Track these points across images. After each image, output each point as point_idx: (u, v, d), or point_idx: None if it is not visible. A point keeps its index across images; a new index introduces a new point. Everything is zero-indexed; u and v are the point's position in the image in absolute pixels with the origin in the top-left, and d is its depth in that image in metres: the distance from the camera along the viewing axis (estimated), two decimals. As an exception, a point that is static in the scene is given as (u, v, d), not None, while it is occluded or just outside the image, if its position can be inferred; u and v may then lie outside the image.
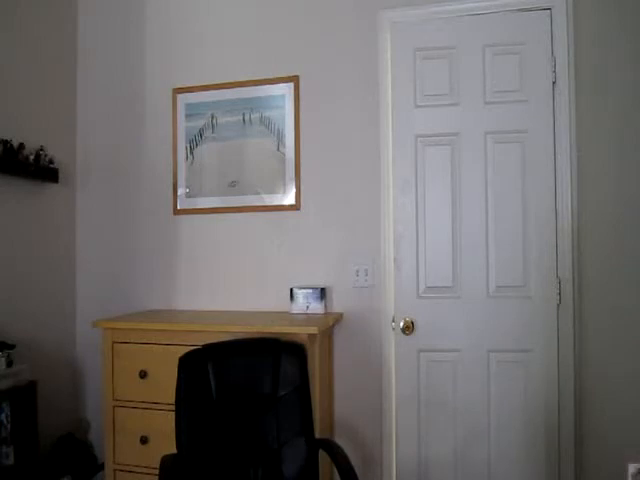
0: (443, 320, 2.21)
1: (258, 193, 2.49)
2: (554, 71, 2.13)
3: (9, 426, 2.05)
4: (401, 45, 2.27)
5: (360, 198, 2.36)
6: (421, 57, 2.25)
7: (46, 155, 2.44)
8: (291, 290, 2.35)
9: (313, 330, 1.96)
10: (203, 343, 1.85)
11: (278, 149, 2.46)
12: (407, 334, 2.23)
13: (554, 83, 2.13)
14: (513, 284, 2.15)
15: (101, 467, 2.38)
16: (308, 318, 2.20)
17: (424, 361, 2.23)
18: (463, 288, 2.19)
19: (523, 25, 2.15)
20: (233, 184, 2.52)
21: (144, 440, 2.11)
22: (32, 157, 2.34)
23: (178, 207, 2.59)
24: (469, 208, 2.20)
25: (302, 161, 2.43)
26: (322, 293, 2.32)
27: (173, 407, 1.72)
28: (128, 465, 2.14)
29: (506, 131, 2.16)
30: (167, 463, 1.63)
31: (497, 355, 2.15)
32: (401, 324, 2.24)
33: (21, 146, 2.29)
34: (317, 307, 2.31)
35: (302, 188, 2.44)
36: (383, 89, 2.32)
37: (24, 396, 2.13)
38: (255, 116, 2.49)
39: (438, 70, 2.23)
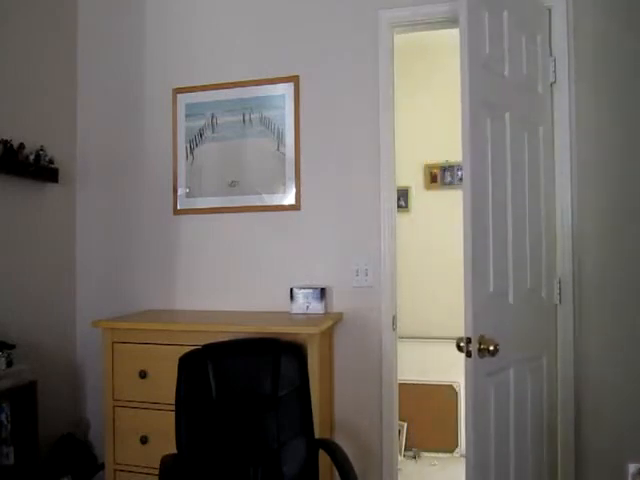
0: (501, 330, 1.73)
1: (258, 193, 2.49)
2: (554, 71, 2.13)
3: (9, 426, 2.05)
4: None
5: (360, 198, 2.36)
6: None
7: (46, 155, 2.44)
8: (291, 290, 2.34)
9: (313, 330, 1.96)
10: (203, 343, 1.85)
11: (278, 149, 2.46)
12: (482, 356, 1.60)
13: (553, 83, 2.13)
14: (527, 286, 1.93)
15: (101, 467, 2.38)
16: (308, 318, 2.20)
17: (491, 384, 1.71)
18: (510, 291, 1.85)
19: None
20: (233, 184, 2.52)
21: (144, 440, 2.11)
22: (32, 157, 2.34)
23: (178, 207, 2.59)
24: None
25: (302, 161, 2.43)
26: (322, 293, 2.31)
27: (173, 407, 1.72)
28: (128, 465, 2.15)
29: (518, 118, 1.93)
30: (167, 463, 1.63)
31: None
32: (479, 345, 1.60)
33: (21, 146, 2.29)
34: (317, 307, 2.31)
35: (302, 188, 2.43)
36: (383, 88, 2.32)
37: (24, 396, 2.13)
38: (255, 116, 2.49)
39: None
